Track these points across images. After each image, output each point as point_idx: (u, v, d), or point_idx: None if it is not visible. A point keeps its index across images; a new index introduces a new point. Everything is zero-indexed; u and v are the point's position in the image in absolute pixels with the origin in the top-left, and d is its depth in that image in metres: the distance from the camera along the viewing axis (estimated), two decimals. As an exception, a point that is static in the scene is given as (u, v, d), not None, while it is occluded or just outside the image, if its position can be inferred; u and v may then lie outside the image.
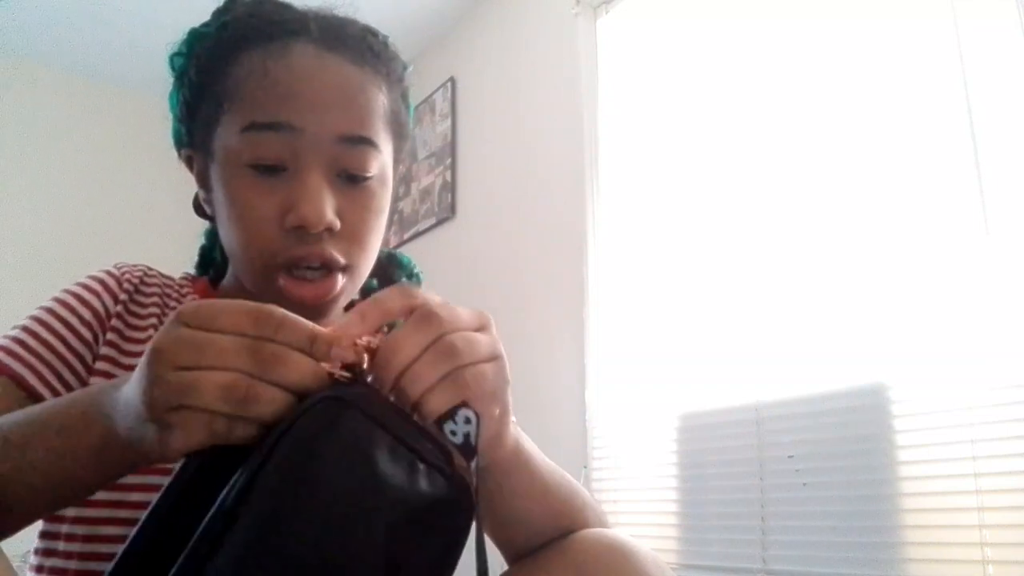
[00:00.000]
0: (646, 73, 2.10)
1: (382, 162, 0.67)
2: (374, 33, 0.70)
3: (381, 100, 0.67)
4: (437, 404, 0.45)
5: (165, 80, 0.73)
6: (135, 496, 0.63)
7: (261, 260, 0.65)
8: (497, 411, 0.49)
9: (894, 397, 1.42)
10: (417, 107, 3.00)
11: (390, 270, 0.81)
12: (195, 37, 0.69)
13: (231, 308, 0.43)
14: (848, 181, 1.56)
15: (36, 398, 0.63)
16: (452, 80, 2.86)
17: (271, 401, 0.42)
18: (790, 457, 1.56)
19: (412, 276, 0.82)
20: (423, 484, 0.44)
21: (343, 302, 0.70)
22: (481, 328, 0.49)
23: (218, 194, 0.67)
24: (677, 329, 1.86)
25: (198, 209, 0.75)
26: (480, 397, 0.47)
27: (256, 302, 0.44)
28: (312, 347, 0.44)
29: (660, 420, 1.85)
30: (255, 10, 0.67)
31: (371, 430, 0.43)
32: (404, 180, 3.04)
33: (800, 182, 1.65)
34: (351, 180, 0.65)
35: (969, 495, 1.28)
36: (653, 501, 1.83)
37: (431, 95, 2.95)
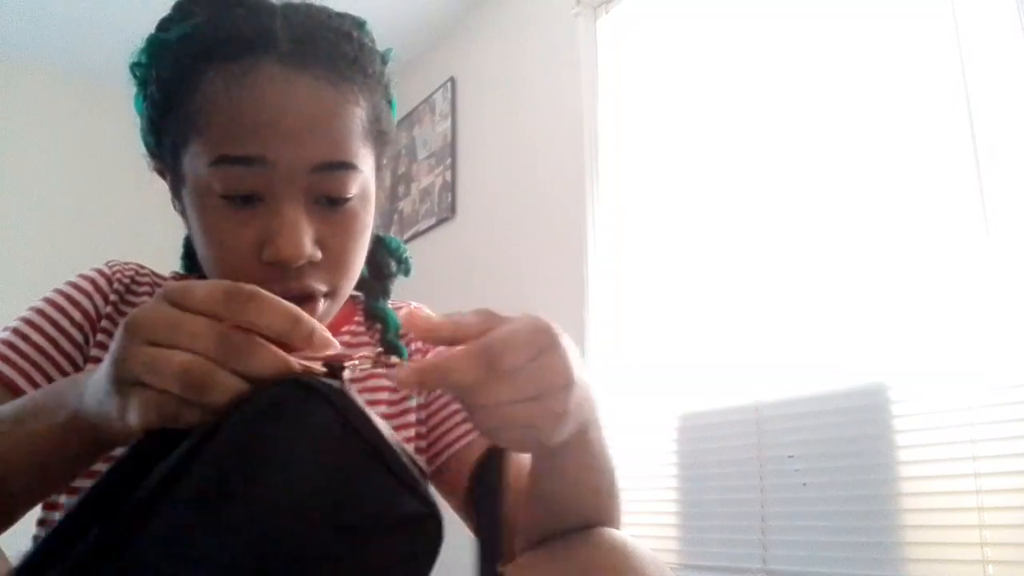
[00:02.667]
0: (646, 73, 2.10)
1: (362, 180, 0.64)
2: (347, 33, 0.64)
3: (358, 115, 0.63)
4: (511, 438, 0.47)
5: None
6: None
7: None
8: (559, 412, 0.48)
9: (894, 397, 1.42)
10: (417, 107, 3.00)
11: (379, 254, 0.79)
12: (155, 46, 0.64)
13: (209, 286, 0.43)
14: (848, 181, 1.56)
15: None
16: (452, 80, 2.86)
17: (226, 390, 0.41)
18: (790, 457, 1.56)
19: (401, 261, 0.80)
20: (389, 497, 0.43)
21: (325, 322, 0.67)
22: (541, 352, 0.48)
23: (191, 218, 0.64)
24: (677, 329, 1.86)
25: (176, 204, 0.72)
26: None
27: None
28: (293, 329, 0.43)
29: (660, 420, 1.85)
30: (217, 14, 0.62)
31: (337, 425, 0.42)
32: (404, 180, 3.04)
33: (800, 182, 1.65)
34: (331, 203, 0.62)
35: (969, 495, 1.28)
36: (653, 501, 1.83)
37: (431, 95, 2.95)
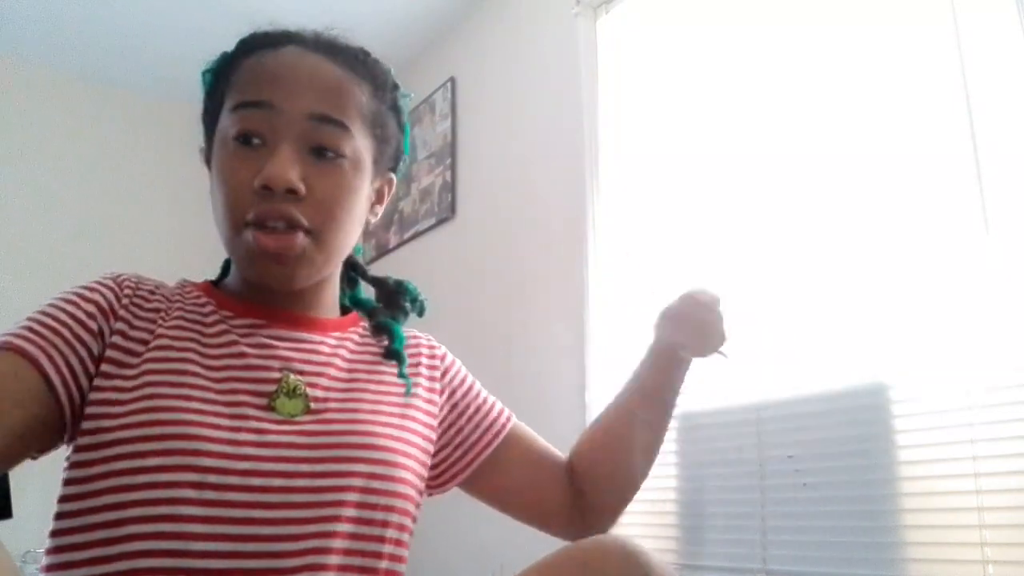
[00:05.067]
0: (646, 73, 2.10)
1: (355, 147, 0.75)
2: (364, 52, 0.80)
3: (359, 97, 0.76)
4: None
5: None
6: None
7: (233, 217, 0.73)
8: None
9: (894, 397, 1.42)
10: (417, 107, 3.00)
11: (396, 296, 0.90)
12: (222, 56, 0.81)
13: None
14: (848, 181, 1.56)
15: (48, 382, 0.67)
16: (452, 80, 2.86)
17: None
18: (790, 457, 1.56)
19: (415, 302, 0.90)
20: None
21: (312, 271, 0.76)
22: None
23: (213, 171, 0.77)
24: (677, 329, 1.86)
25: None
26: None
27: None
28: None
29: (660, 420, 1.85)
30: (266, 30, 0.79)
31: None
32: (404, 180, 3.04)
33: (800, 182, 1.65)
34: (321, 155, 0.73)
35: (969, 495, 1.28)
36: (653, 501, 1.83)
37: (431, 95, 2.95)
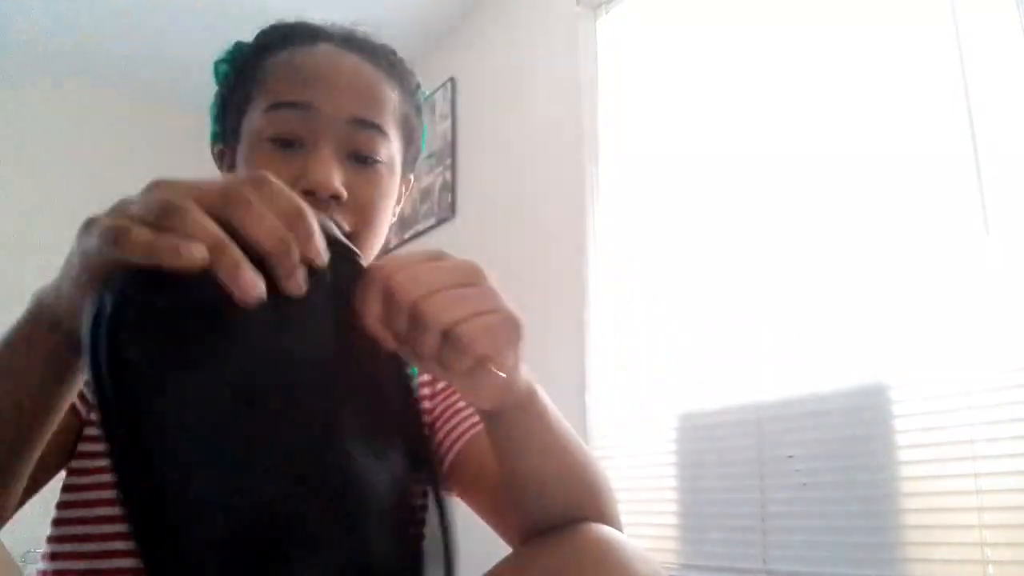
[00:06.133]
0: (646, 73, 2.10)
1: (391, 151, 0.74)
2: (393, 51, 0.78)
3: (393, 98, 0.74)
4: (449, 317, 0.47)
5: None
6: None
7: None
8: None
9: (894, 397, 1.42)
10: (417, 107, 3.00)
11: None
12: (237, 47, 0.78)
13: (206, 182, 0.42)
14: (848, 181, 1.56)
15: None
16: (452, 80, 2.86)
17: (204, 230, 0.38)
18: (790, 457, 1.56)
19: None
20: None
21: None
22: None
23: (240, 171, 0.72)
24: (677, 329, 1.86)
25: None
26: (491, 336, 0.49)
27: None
28: (297, 223, 0.41)
29: (660, 420, 1.85)
30: (290, 23, 0.76)
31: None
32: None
33: (800, 182, 1.65)
34: (361, 160, 0.71)
35: (969, 495, 1.28)
36: (653, 501, 1.83)
37: (431, 95, 2.95)
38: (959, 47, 1.42)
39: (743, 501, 1.62)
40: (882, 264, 1.48)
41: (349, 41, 0.74)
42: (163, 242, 0.37)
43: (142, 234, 0.38)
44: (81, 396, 0.68)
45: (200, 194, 0.39)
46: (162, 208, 0.38)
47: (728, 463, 1.67)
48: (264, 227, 0.40)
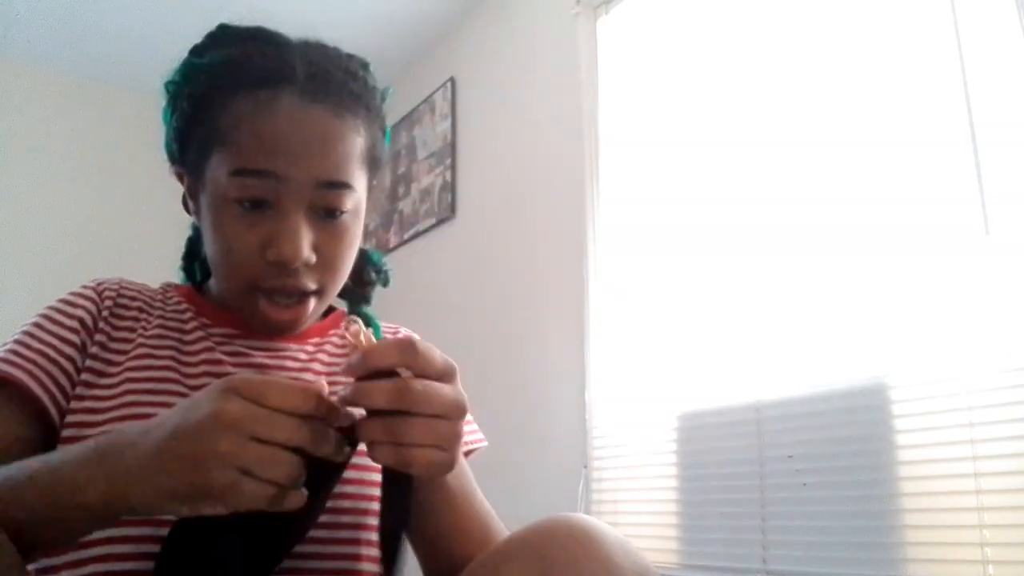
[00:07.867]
0: (646, 73, 2.10)
1: (356, 199, 0.73)
2: (354, 73, 0.74)
3: (359, 143, 0.73)
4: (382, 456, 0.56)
5: (160, 80, 0.77)
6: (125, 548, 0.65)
7: (242, 284, 0.72)
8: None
9: (894, 397, 1.42)
10: (417, 107, 3.01)
11: (363, 266, 0.86)
12: (189, 68, 0.74)
13: (282, 389, 0.53)
14: (848, 180, 1.56)
15: (37, 404, 0.67)
16: (452, 80, 2.86)
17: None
18: (790, 457, 1.56)
19: (380, 272, 0.88)
20: None
21: (313, 317, 0.79)
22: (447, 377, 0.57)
23: (206, 218, 0.73)
24: (677, 329, 1.86)
25: (186, 205, 0.79)
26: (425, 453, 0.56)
27: (300, 382, 0.55)
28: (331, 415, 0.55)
29: (660, 420, 1.85)
30: (246, 51, 0.71)
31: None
32: (404, 180, 3.04)
33: (800, 181, 1.65)
34: (328, 215, 0.72)
35: (969, 495, 1.28)
36: (653, 501, 1.83)
37: (431, 95, 2.95)
38: (959, 47, 1.42)
39: (743, 501, 1.62)
40: (882, 264, 1.48)
41: (313, 85, 0.70)
42: (268, 493, 0.52)
43: (256, 491, 0.51)
44: (60, 388, 0.69)
45: (304, 439, 0.53)
46: (292, 474, 0.52)
47: (728, 463, 1.67)
48: (330, 448, 0.56)
